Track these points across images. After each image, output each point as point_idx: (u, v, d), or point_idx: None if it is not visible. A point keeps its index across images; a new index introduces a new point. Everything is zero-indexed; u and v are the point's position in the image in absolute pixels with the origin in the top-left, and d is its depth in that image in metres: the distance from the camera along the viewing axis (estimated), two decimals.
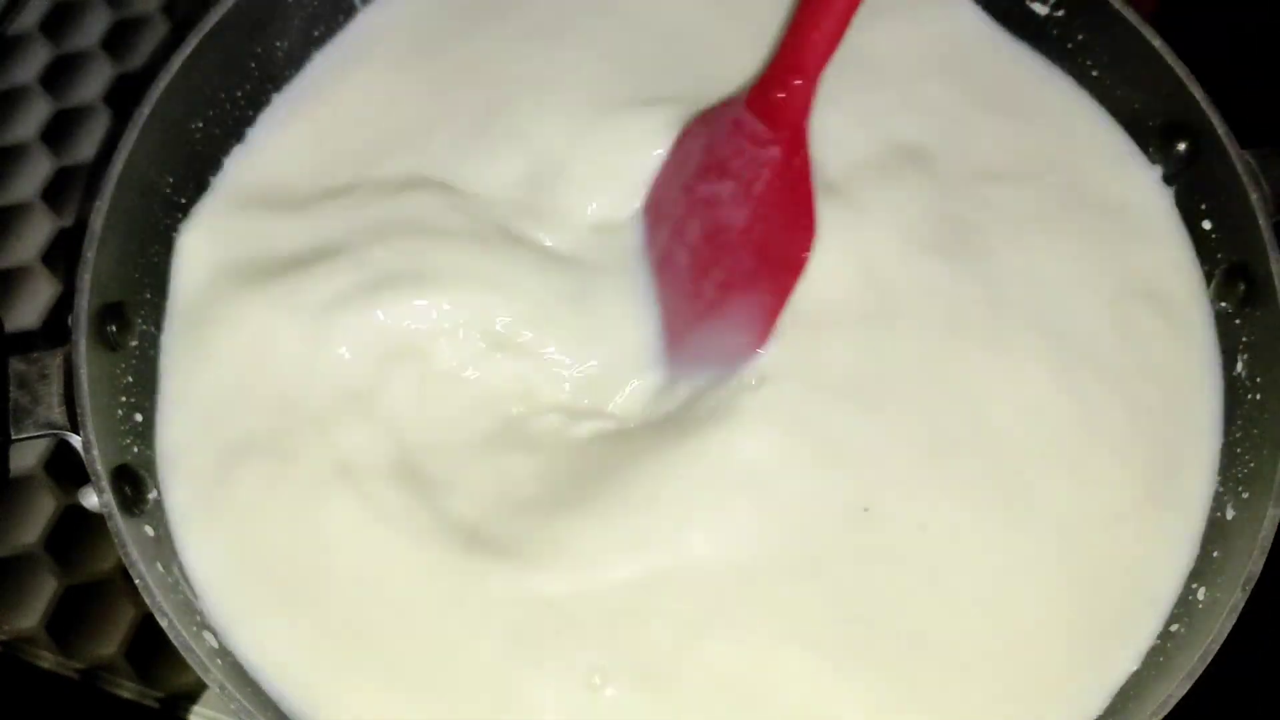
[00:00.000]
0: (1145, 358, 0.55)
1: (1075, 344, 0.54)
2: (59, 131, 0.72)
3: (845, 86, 0.56)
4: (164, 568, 0.48)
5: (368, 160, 0.57)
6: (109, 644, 0.59)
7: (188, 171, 0.56)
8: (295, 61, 0.60)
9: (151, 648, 0.59)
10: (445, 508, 0.50)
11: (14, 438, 0.48)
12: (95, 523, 0.47)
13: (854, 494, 0.50)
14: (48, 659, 0.59)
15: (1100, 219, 0.57)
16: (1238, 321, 0.55)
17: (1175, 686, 0.46)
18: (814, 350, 0.52)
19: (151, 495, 0.50)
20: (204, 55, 0.55)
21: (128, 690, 0.59)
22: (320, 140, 0.58)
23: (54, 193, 0.71)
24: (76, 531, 0.62)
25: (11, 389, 0.48)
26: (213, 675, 0.45)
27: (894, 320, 0.53)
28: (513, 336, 0.53)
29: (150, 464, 0.51)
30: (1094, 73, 0.60)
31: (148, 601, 0.45)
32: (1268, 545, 0.48)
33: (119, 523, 0.46)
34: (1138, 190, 0.58)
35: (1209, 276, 0.56)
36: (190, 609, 0.48)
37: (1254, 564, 0.47)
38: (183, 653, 0.45)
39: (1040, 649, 0.49)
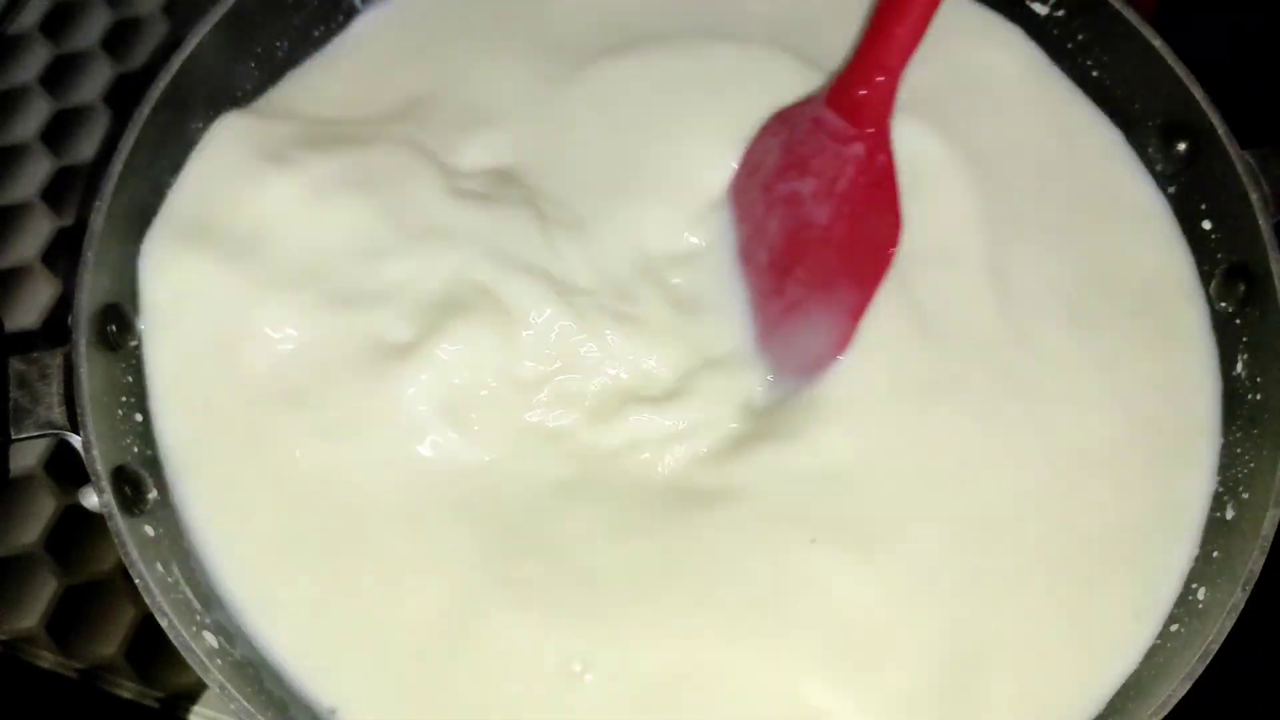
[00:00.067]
0: (1145, 357, 0.55)
1: (1076, 343, 0.54)
2: (59, 131, 0.72)
3: None
4: (164, 568, 0.48)
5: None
6: (109, 644, 0.59)
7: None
8: (295, 61, 0.60)
9: (151, 648, 0.59)
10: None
11: (14, 438, 0.48)
12: (95, 523, 0.47)
13: None
14: (48, 659, 0.59)
15: (1100, 218, 0.57)
16: (1238, 321, 0.55)
17: (1175, 686, 0.46)
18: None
19: (151, 495, 0.50)
20: (204, 55, 0.55)
21: (128, 690, 0.59)
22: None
23: (54, 193, 0.70)
24: (76, 531, 0.62)
25: (11, 389, 0.48)
26: (213, 675, 0.45)
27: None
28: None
29: (150, 464, 0.51)
30: (1094, 73, 0.60)
31: (148, 601, 0.45)
32: (1268, 545, 0.48)
33: (119, 523, 0.46)
34: (1138, 190, 0.58)
35: (1209, 276, 0.56)
36: (190, 609, 0.48)
37: (1254, 564, 0.47)
38: (183, 653, 0.45)
39: (1040, 649, 0.49)
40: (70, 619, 0.60)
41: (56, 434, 0.48)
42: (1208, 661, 0.46)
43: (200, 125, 0.57)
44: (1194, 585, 0.50)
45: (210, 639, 0.47)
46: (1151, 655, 0.49)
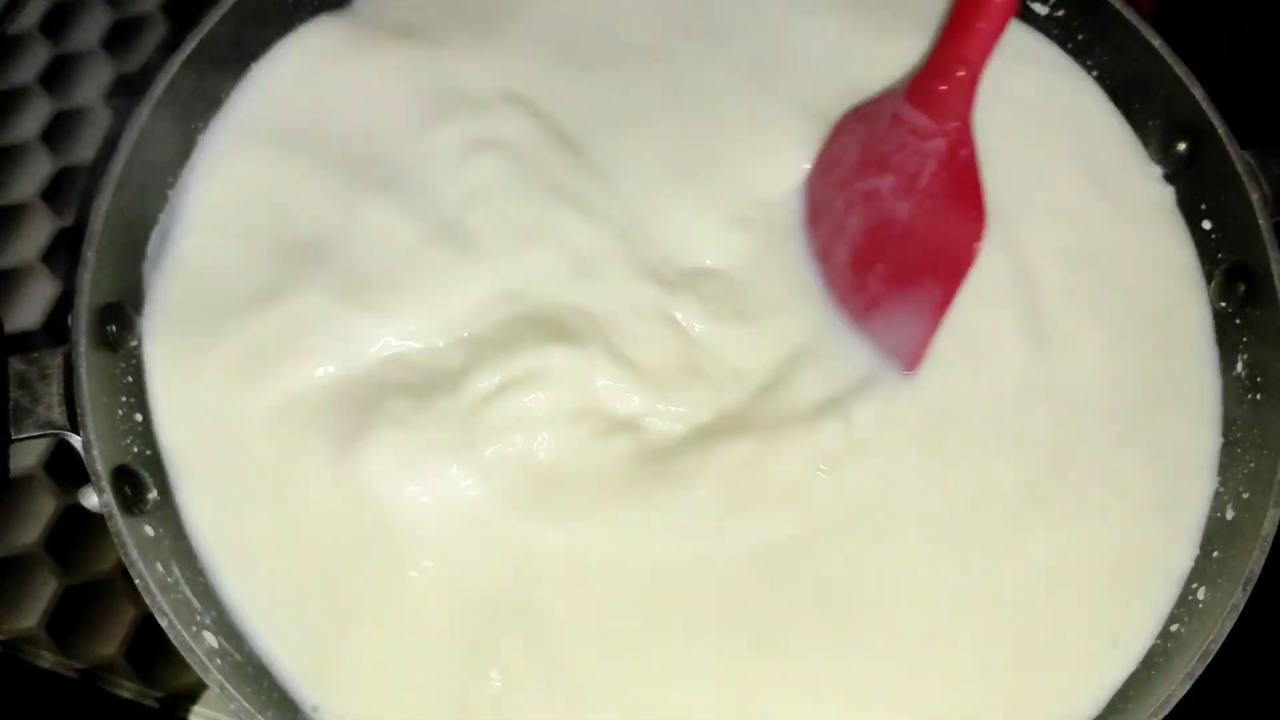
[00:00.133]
0: (1145, 357, 0.55)
1: (1076, 342, 0.54)
2: (59, 131, 0.72)
3: None
4: (164, 568, 0.48)
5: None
6: (109, 644, 0.59)
7: (187, 171, 0.56)
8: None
9: (151, 648, 0.59)
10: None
11: (14, 438, 0.48)
12: (95, 523, 0.47)
13: None
14: (48, 659, 0.59)
15: (1099, 218, 0.57)
16: (1238, 321, 0.55)
17: (1175, 686, 0.46)
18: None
19: (151, 495, 0.50)
20: (204, 55, 0.55)
21: (128, 690, 0.59)
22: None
23: (54, 193, 0.70)
24: (76, 531, 0.62)
25: (11, 389, 0.48)
26: (213, 675, 0.45)
27: None
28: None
29: (150, 464, 0.51)
30: (1094, 73, 0.60)
31: (148, 601, 0.45)
32: (1268, 545, 0.48)
33: (119, 523, 0.46)
34: (1137, 190, 0.58)
35: (1209, 276, 0.56)
36: (190, 609, 0.48)
37: (1254, 564, 0.47)
38: (183, 653, 0.45)
39: (1040, 649, 0.49)
40: (70, 619, 0.60)
41: (56, 434, 0.48)
42: (1208, 661, 0.46)
43: (200, 125, 0.57)
44: (1194, 585, 0.50)
45: (210, 639, 0.47)
46: (1151, 655, 0.49)
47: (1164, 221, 0.58)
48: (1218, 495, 0.52)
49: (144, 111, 0.53)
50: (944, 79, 0.53)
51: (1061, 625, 0.50)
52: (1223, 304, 0.56)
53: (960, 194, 0.53)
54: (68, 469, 0.63)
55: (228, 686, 0.45)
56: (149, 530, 0.49)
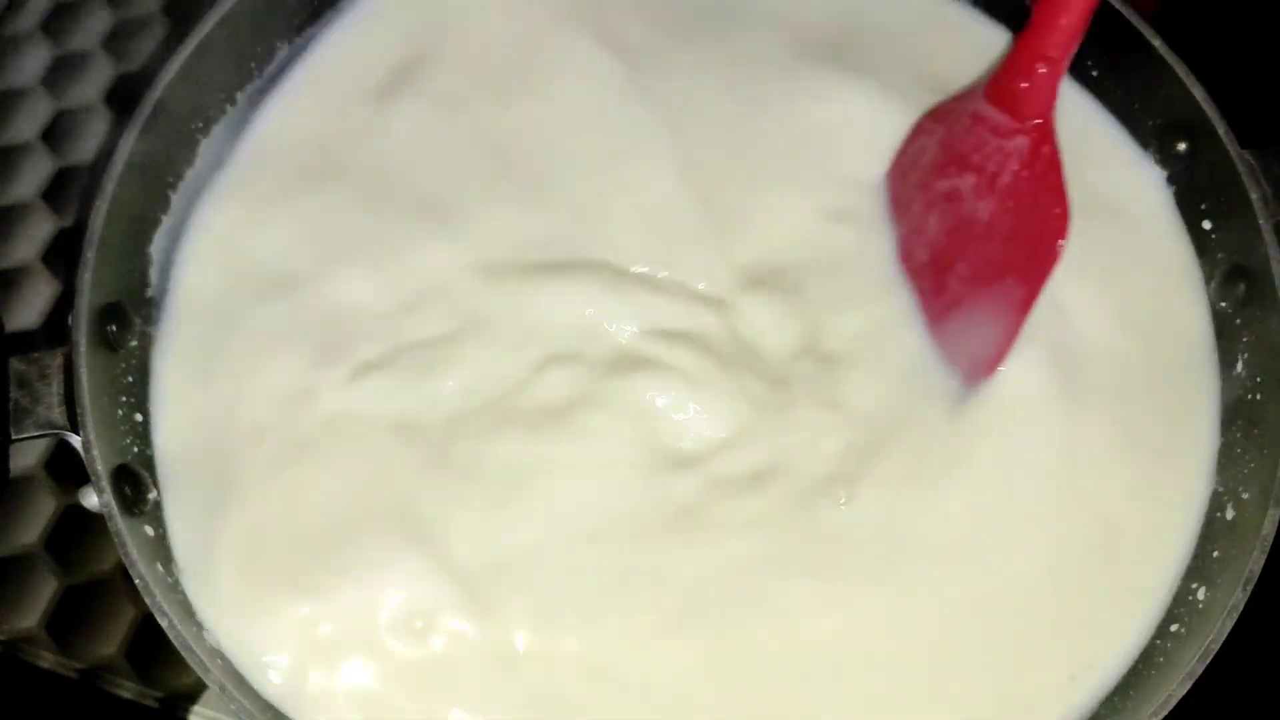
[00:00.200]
0: (1145, 357, 0.55)
1: (1076, 343, 0.54)
2: (59, 131, 0.72)
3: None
4: (164, 568, 0.48)
5: None
6: (109, 644, 0.59)
7: (187, 171, 0.56)
8: (295, 61, 0.60)
9: (151, 648, 0.59)
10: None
11: (14, 438, 0.48)
12: (95, 523, 0.47)
13: None
14: (48, 659, 0.59)
15: (1099, 219, 0.57)
16: (1238, 321, 0.55)
17: (1175, 686, 0.46)
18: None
19: (151, 495, 0.50)
20: (204, 55, 0.55)
21: (128, 690, 0.59)
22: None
23: (54, 193, 0.70)
24: (76, 531, 0.62)
25: (11, 389, 0.48)
26: (213, 675, 0.45)
27: None
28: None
29: (150, 464, 0.51)
30: (1094, 73, 0.60)
31: (148, 601, 0.45)
32: (1268, 545, 0.48)
33: (119, 523, 0.46)
34: (1137, 190, 0.58)
35: (1209, 276, 0.56)
36: (190, 609, 0.48)
37: (1254, 564, 0.47)
38: (183, 653, 0.45)
39: (1039, 649, 0.49)
40: (70, 619, 0.60)
41: (56, 434, 0.48)
42: (1208, 661, 0.46)
43: (200, 125, 0.57)
44: (1194, 585, 0.50)
45: (210, 639, 0.47)
46: (1151, 655, 0.49)
47: (1162, 221, 0.58)
48: (1218, 495, 0.52)
49: (144, 111, 0.53)
50: (1025, 76, 0.53)
51: (1058, 626, 0.50)
52: (1223, 304, 0.56)
53: (1043, 191, 0.52)
54: (68, 469, 0.63)
55: (228, 686, 0.45)
56: (149, 530, 0.49)
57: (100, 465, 0.47)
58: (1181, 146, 0.57)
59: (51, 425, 0.48)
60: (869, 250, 0.56)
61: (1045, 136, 0.53)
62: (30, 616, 0.60)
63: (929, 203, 0.55)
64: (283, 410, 0.52)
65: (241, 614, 0.48)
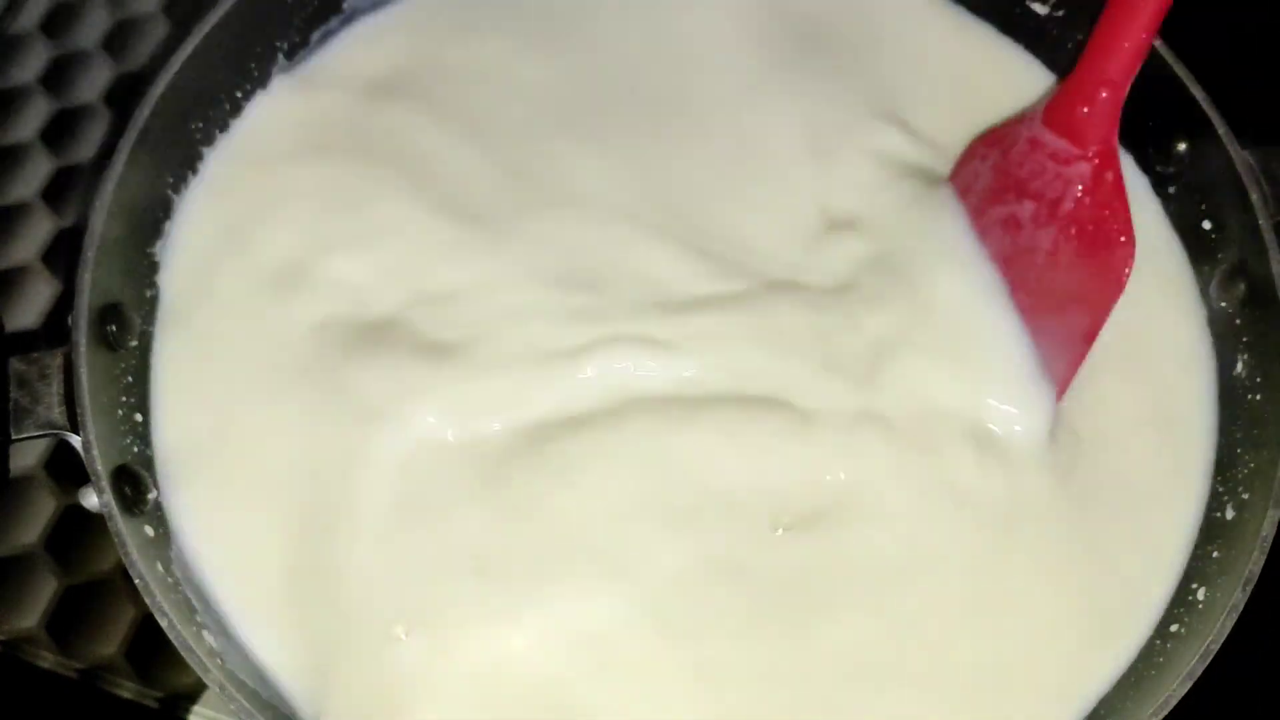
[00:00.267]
0: (1145, 357, 0.55)
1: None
2: (59, 131, 0.72)
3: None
4: (164, 568, 0.48)
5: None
6: (109, 644, 0.59)
7: (188, 171, 0.56)
8: (295, 62, 0.60)
9: (151, 648, 0.59)
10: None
11: (14, 438, 0.48)
12: (95, 523, 0.47)
13: None
14: (48, 659, 0.59)
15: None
16: (1238, 321, 0.55)
17: (1175, 686, 0.46)
18: None
19: (151, 495, 0.50)
20: (204, 55, 0.55)
21: (128, 690, 0.59)
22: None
23: (54, 193, 0.70)
24: (76, 531, 0.62)
25: (11, 389, 0.48)
26: (213, 675, 0.45)
27: None
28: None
29: (150, 464, 0.51)
30: None
31: (148, 601, 0.45)
32: (1268, 545, 0.48)
33: (119, 523, 0.46)
34: (1136, 192, 0.58)
35: (1209, 276, 0.56)
36: (190, 609, 0.48)
37: (1254, 564, 0.47)
38: (183, 653, 0.45)
39: (1038, 648, 0.49)
40: (70, 619, 0.60)
41: (56, 434, 0.48)
42: (1208, 661, 0.46)
43: (200, 125, 0.57)
44: (1194, 585, 0.50)
45: (210, 639, 0.47)
46: (1152, 655, 0.49)
47: (1159, 221, 0.58)
48: (1218, 495, 0.52)
49: (144, 111, 0.53)
50: (1086, 101, 0.52)
51: (1057, 626, 0.50)
52: (1223, 304, 0.56)
53: (1107, 219, 0.51)
54: (68, 469, 0.63)
55: (228, 686, 0.45)
56: (149, 530, 0.49)
57: (100, 465, 0.47)
58: (1181, 146, 0.57)
59: (51, 425, 0.48)
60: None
61: (1108, 162, 0.52)
62: (30, 616, 0.60)
63: (984, 229, 0.54)
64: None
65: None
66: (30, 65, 0.74)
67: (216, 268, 0.55)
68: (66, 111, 0.73)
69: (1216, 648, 0.46)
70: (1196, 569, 0.51)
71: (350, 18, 0.61)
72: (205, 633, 0.48)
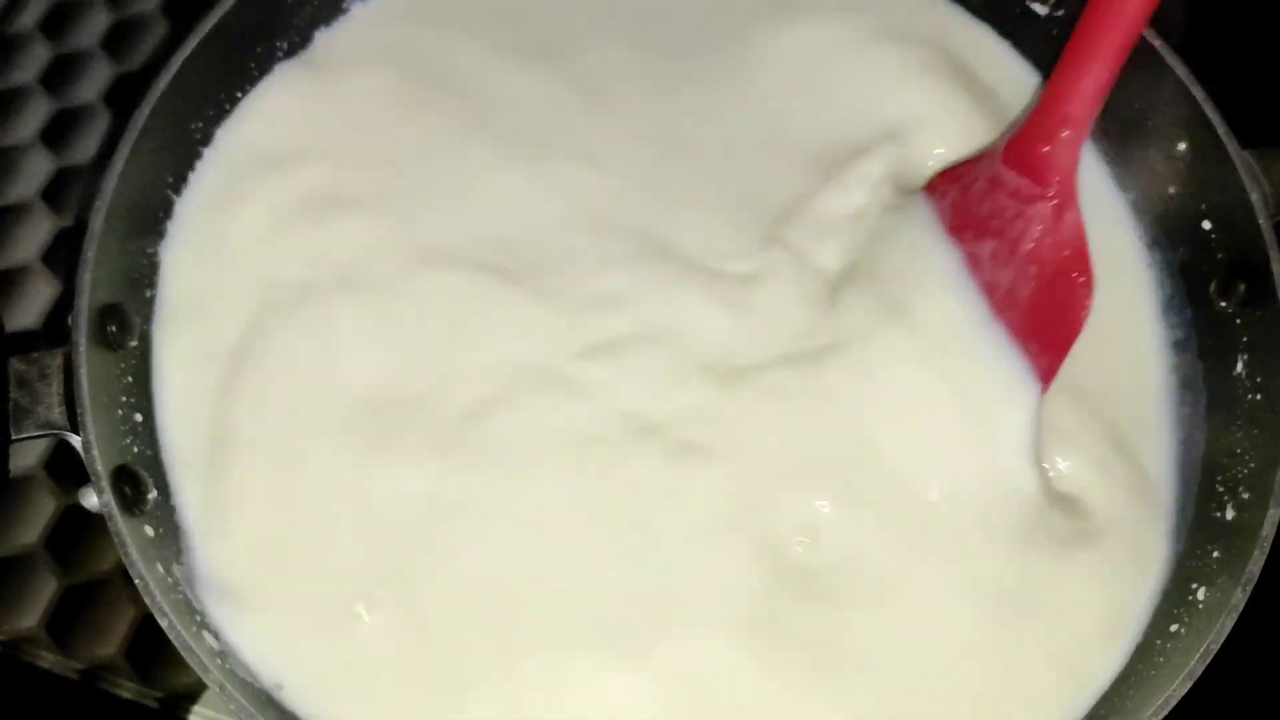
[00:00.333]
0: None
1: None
2: (59, 131, 0.72)
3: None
4: (164, 568, 0.48)
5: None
6: (109, 644, 0.59)
7: (188, 171, 0.56)
8: (295, 62, 0.60)
9: (151, 648, 0.59)
10: None
11: (14, 438, 0.48)
12: (95, 523, 0.47)
13: None
14: (48, 659, 0.59)
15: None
16: (1238, 321, 0.55)
17: (1175, 686, 0.46)
18: None
19: (151, 495, 0.50)
20: (204, 55, 0.55)
21: (128, 690, 0.59)
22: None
23: (54, 193, 0.70)
24: (76, 531, 0.62)
25: (11, 389, 0.48)
26: (213, 675, 0.45)
27: None
28: None
29: (150, 464, 0.51)
30: None
31: (148, 601, 0.45)
32: (1268, 545, 0.48)
33: (119, 523, 0.46)
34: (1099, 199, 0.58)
35: (1209, 276, 0.56)
36: (190, 609, 0.48)
37: (1254, 564, 0.47)
38: (183, 653, 0.45)
39: (1035, 648, 0.49)
40: (70, 619, 0.60)
41: (56, 434, 0.48)
42: (1208, 661, 0.46)
43: (200, 125, 0.57)
44: (1194, 585, 0.50)
45: (210, 639, 0.47)
46: (1152, 655, 0.49)
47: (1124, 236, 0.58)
48: (1218, 495, 0.52)
49: (144, 111, 0.53)
50: (1046, 140, 0.51)
51: (1055, 627, 0.50)
52: (1223, 304, 0.55)
53: (1067, 259, 0.51)
54: (68, 469, 0.63)
55: (228, 686, 0.45)
56: (149, 530, 0.49)
57: (100, 465, 0.47)
58: (1181, 146, 0.57)
59: (51, 425, 0.48)
60: None
61: (1068, 201, 0.51)
62: (30, 616, 0.60)
63: None
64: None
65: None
66: (30, 65, 0.74)
67: (216, 268, 0.55)
68: (66, 111, 0.73)
69: (1216, 648, 0.46)
70: (1196, 569, 0.51)
71: (350, 17, 0.61)
72: (205, 633, 0.48)
